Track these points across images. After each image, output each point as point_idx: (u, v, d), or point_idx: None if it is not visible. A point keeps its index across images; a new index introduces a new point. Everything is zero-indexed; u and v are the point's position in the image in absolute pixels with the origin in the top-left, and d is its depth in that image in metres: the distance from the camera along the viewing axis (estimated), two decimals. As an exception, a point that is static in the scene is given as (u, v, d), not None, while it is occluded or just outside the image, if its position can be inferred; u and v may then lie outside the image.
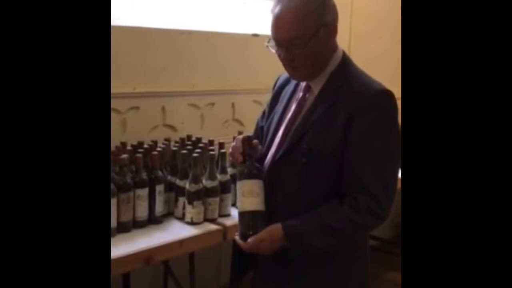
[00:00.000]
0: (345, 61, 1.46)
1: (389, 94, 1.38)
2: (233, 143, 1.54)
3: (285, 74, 1.60)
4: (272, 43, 1.42)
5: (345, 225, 1.36)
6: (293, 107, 1.50)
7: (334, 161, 1.37)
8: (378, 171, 1.36)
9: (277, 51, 1.42)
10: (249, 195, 1.42)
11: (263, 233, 1.39)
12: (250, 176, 1.43)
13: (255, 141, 1.53)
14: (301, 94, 1.49)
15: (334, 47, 1.45)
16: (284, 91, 1.57)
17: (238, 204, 1.46)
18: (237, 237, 1.46)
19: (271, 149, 1.50)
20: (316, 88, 1.46)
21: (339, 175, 1.38)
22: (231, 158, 1.60)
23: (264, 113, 1.67)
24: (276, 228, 1.39)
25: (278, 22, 1.38)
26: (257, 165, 1.47)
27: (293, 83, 1.55)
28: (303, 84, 1.50)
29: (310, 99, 1.47)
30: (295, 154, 1.41)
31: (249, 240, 1.40)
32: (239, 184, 1.45)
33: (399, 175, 1.40)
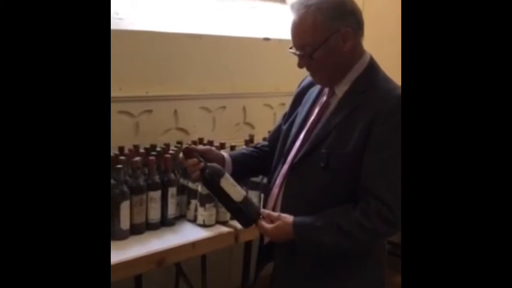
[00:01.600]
0: (371, 67, 1.47)
1: None
2: (181, 156, 1.53)
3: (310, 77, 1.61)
4: (293, 48, 1.46)
5: (353, 227, 1.36)
6: (316, 110, 1.51)
7: (352, 166, 1.38)
8: (393, 179, 1.34)
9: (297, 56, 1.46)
10: (236, 184, 1.48)
11: (275, 214, 1.43)
12: (221, 172, 1.48)
13: (195, 147, 1.59)
14: (324, 98, 1.51)
15: (358, 52, 1.46)
16: (309, 93, 1.58)
17: (234, 196, 1.46)
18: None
19: (291, 151, 1.51)
20: (340, 92, 1.47)
21: (357, 180, 1.38)
22: (194, 174, 1.53)
23: (285, 114, 1.67)
24: (287, 216, 1.42)
25: (292, 31, 1.43)
26: (213, 163, 1.51)
27: (318, 86, 1.56)
28: (328, 89, 1.51)
29: (333, 103, 1.48)
30: (314, 157, 1.43)
31: (262, 211, 1.46)
32: (223, 182, 1.46)
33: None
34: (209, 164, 1.50)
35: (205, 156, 1.54)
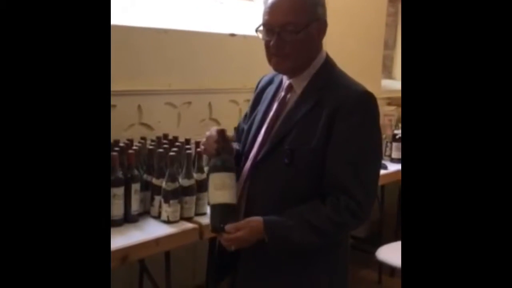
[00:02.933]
0: (328, 63, 1.49)
1: (370, 96, 1.41)
2: (207, 133, 1.51)
3: (267, 76, 1.63)
4: (263, 30, 1.43)
5: (324, 223, 1.37)
6: (274, 106, 1.51)
7: (315, 162, 1.39)
8: (358, 173, 1.38)
9: (266, 38, 1.43)
10: (220, 188, 1.42)
11: (242, 222, 1.40)
12: (223, 169, 1.43)
13: (230, 135, 1.54)
14: (282, 93, 1.51)
15: (320, 46, 1.49)
16: (267, 91, 1.59)
17: (209, 197, 1.46)
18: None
19: (253, 150, 1.51)
20: (299, 87, 1.47)
21: (321, 175, 1.40)
22: (202, 148, 1.53)
23: (246, 115, 1.68)
24: (256, 221, 1.39)
25: (274, 7, 1.41)
26: (230, 158, 1.47)
27: (275, 83, 1.57)
28: (285, 84, 1.51)
29: (292, 99, 1.48)
30: (277, 154, 1.43)
31: (227, 227, 1.40)
32: (211, 176, 1.44)
33: (380, 177, 1.47)
34: (224, 156, 1.45)
35: (228, 144, 1.49)
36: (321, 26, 1.44)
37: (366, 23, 3.84)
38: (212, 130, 1.50)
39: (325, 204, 1.38)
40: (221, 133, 1.47)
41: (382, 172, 3.11)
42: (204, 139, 1.52)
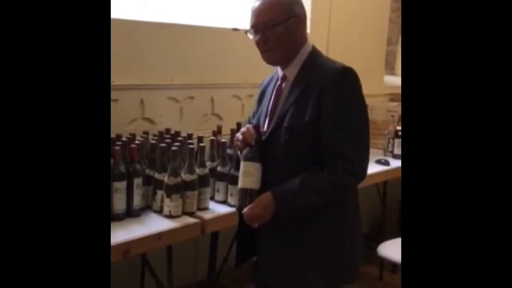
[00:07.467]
0: (314, 52, 1.74)
1: (350, 70, 1.63)
2: (243, 129, 1.72)
3: (268, 77, 1.87)
4: (251, 31, 1.69)
5: (325, 186, 1.60)
6: (273, 95, 1.76)
7: (311, 135, 1.61)
8: (349, 139, 1.60)
9: (254, 38, 1.68)
10: (247, 175, 1.66)
11: (254, 202, 1.65)
12: (251, 159, 1.66)
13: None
14: (278, 83, 1.75)
15: (304, 39, 1.72)
16: (268, 88, 1.83)
17: (239, 181, 1.69)
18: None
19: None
20: (291, 75, 1.71)
21: (317, 147, 1.61)
22: (239, 141, 1.73)
23: (254, 111, 1.91)
24: (265, 195, 1.64)
25: (257, 11, 1.67)
26: (260, 150, 1.67)
27: (274, 80, 1.80)
28: (280, 75, 1.75)
29: (287, 86, 1.72)
30: (279, 133, 1.66)
31: (244, 210, 1.66)
32: (242, 164, 1.68)
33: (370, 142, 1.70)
34: (256, 148, 1.66)
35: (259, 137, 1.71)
36: (299, 20, 1.68)
37: (369, 19, 3.83)
38: (248, 126, 1.73)
39: (323, 170, 1.60)
40: (257, 128, 1.72)
41: (385, 168, 3.11)
42: (239, 134, 1.73)
